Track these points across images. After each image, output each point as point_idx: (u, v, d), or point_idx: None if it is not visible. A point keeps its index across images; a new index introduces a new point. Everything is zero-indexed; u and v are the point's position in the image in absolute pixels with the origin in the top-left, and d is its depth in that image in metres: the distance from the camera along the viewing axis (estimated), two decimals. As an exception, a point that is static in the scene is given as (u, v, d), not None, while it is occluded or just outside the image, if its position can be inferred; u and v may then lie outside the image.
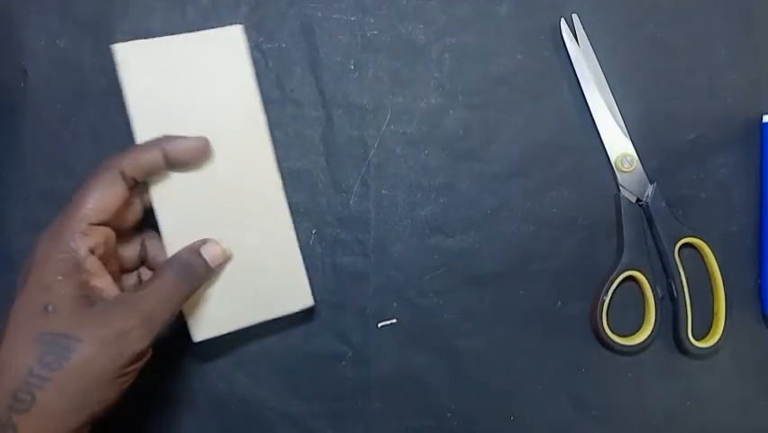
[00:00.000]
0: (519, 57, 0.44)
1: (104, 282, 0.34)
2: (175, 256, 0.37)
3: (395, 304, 0.43)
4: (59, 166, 0.43)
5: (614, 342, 0.42)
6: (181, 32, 0.42)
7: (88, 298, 0.33)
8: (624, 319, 0.43)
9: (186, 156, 0.37)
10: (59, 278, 0.32)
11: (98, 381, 0.32)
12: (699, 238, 0.43)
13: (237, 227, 0.38)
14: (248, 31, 0.43)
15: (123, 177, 0.35)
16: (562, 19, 0.43)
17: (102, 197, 0.34)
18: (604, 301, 0.42)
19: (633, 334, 0.43)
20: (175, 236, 0.38)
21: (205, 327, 0.38)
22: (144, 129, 0.37)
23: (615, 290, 0.42)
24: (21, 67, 0.43)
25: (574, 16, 0.43)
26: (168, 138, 0.36)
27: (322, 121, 0.43)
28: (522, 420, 0.42)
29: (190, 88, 0.38)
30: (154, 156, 0.36)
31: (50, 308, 0.32)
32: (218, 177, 0.38)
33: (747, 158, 0.44)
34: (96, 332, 0.32)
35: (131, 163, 0.35)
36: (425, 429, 0.42)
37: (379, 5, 0.43)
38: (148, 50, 0.38)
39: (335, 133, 0.43)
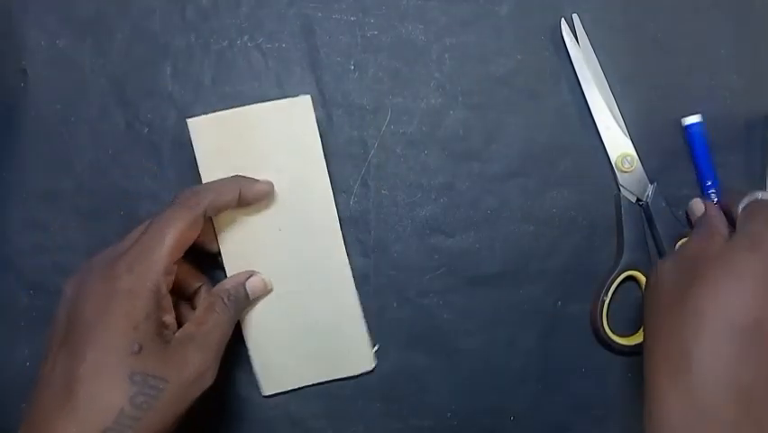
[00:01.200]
0: (519, 57, 0.44)
1: (170, 318, 0.35)
2: (224, 290, 0.38)
3: (395, 304, 0.43)
4: (59, 166, 0.43)
5: (614, 342, 0.42)
6: (181, 33, 0.43)
7: (163, 335, 0.34)
8: (624, 319, 0.43)
9: (257, 197, 0.39)
10: (146, 317, 0.33)
11: (177, 417, 0.34)
12: (700, 237, 0.43)
13: (304, 290, 0.41)
14: (247, 30, 0.43)
15: (204, 215, 0.36)
16: (563, 19, 0.43)
17: (184, 234, 0.35)
18: (604, 301, 0.42)
19: (632, 334, 0.43)
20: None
21: (273, 383, 0.41)
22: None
23: (615, 289, 0.42)
24: (21, 66, 0.43)
25: (574, 16, 0.43)
26: (243, 179, 0.38)
27: (322, 121, 0.43)
28: (522, 420, 0.42)
29: (259, 154, 0.40)
30: (233, 197, 0.37)
31: (137, 347, 0.32)
32: (286, 238, 0.40)
33: (747, 157, 0.44)
34: (180, 372, 0.33)
35: (213, 203, 0.36)
36: (425, 429, 0.42)
37: (380, 6, 0.43)
38: (219, 123, 0.39)
39: (335, 134, 0.43)
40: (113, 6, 0.43)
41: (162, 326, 0.34)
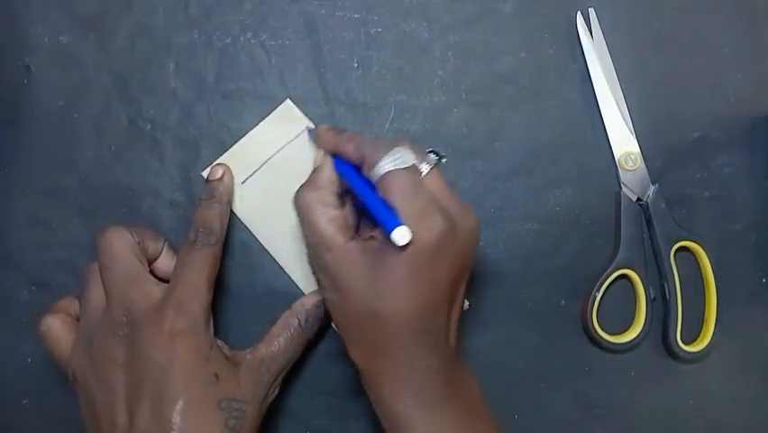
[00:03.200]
0: (523, 55, 0.44)
1: (219, 342, 0.36)
2: (302, 311, 0.39)
3: (397, 302, 0.42)
4: (61, 162, 0.43)
5: (602, 338, 0.42)
6: (184, 30, 0.43)
7: (228, 358, 0.35)
8: (615, 317, 0.43)
9: (230, 188, 0.41)
10: (211, 347, 0.35)
11: (258, 429, 0.36)
12: (696, 242, 0.42)
13: None
14: (251, 27, 0.43)
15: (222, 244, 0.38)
16: (579, 12, 0.43)
17: (215, 269, 0.37)
18: (596, 297, 0.42)
19: (622, 332, 0.43)
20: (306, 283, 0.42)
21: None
22: (259, 226, 0.42)
23: (608, 287, 0.42)
24: (23, 63, 0.43)
25: (591, 11, 0.43)
26: (215, 187, 0.40)
27: (325, 118, 0.43)
28: (525, 419, 0.42)
29: (275, 166, 0.42)
30: (228, 209, 0.40)
31: (214, 377, 0.34)
32: None
33: (751, 157, 0.44)
34: (254, 392, 0.35)
35: (224, 228, 0.39)
36: (427, 427, 0.42)
37: (383, 3, 0.43)
38: (231, 159, 0.42)
39: (338, 131, 0.43)
40: (116, 3, 0.43)
41: (220, 351, 0.35)
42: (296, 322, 0.38)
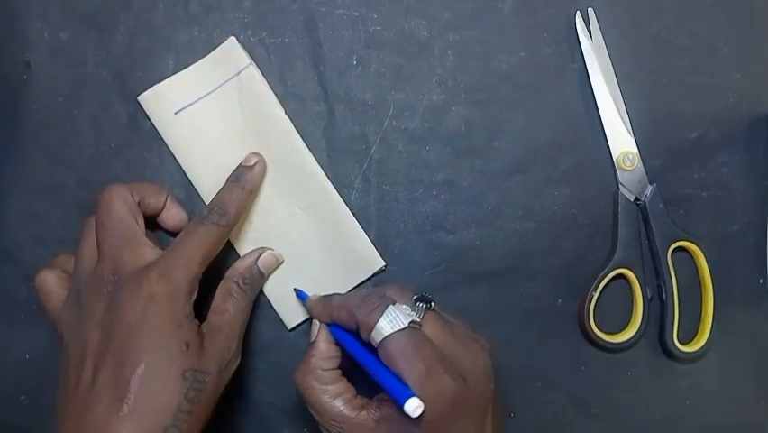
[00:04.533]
0: (522, 54, 0.44)
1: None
2: (237, 275, 0.39)
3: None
4: (60, 159, 0.43)
5: (598, 338, 0.42)
6: (184, 27, 0.43)
7: (199, 330, 0.35)
8: (612, 316, 0.43)
9: (260, 181, 0.41)
10: (187, 316, 0.34)
11: (215, 404, 0.35)
12: (693, 242, 0.43)
13: (298, 219, 0.42)
14: (251, 25, 0.43)
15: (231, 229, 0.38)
16: (578, 12, 0.43)
17: (214, 248, 0.37)
18: (593, 297, 0.42)
19: (618, 332, 0.43)
20: (246, 245, 0.42)
21: (294, 313, 0.42)
22: (186, 157, 0.42)
23: (605, 286, 0.42)
24: (23, 59, 0.43)
25: (590, 10, 0.43)
26: (242, 174, 0.40)
27: (324, 116, 0.43)
28: (521, 418, 0.42)
29: (211, 103, 0.41)
30: (248, 198, 0.40)
31: (185, 345, 0.33)
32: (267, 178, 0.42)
33: (749, 157, 0.44)
34: (217, 363, 0.35)
35: (238, 215, 0.39)
36: (424, 425, 0.42)
37: (383, 1, 0.43)
38: (170, 87, 0.42)
39: (337, 129, 0.43)
40: (116, 0, 0.43)
41: (194, 323, 0.35)
42: (235, 287, 0.38)
